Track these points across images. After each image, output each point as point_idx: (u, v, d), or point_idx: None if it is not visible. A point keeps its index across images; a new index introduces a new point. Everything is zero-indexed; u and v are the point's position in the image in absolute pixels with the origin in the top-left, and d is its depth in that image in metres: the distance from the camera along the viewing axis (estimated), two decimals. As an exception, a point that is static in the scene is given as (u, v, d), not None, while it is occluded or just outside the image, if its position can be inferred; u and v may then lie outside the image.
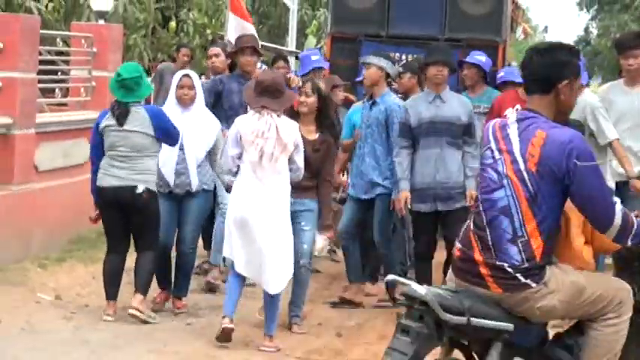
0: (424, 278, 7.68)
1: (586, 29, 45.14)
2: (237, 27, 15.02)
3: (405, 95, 9.18)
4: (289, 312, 7.49)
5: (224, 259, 7.72)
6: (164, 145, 7.52)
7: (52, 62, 11.50)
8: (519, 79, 8.94)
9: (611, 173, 7.81)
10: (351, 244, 8.39)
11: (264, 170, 6.82)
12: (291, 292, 7.45)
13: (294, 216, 7.22)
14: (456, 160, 7.73)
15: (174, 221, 7.80)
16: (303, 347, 7.11)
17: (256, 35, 10.36)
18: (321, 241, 7.50)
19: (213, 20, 18.69)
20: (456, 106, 7.76)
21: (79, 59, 11.03)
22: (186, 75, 7.89)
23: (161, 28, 17.02)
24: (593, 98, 7.43)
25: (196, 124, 7.74)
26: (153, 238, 7.51)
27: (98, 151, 7.48)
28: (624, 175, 7.77)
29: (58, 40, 13.87)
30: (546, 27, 71.22)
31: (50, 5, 15.36)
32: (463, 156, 7.77)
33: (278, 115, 6.88)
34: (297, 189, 7.15)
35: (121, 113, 7.36)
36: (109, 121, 7.41)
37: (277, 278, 6.87)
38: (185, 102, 7.77)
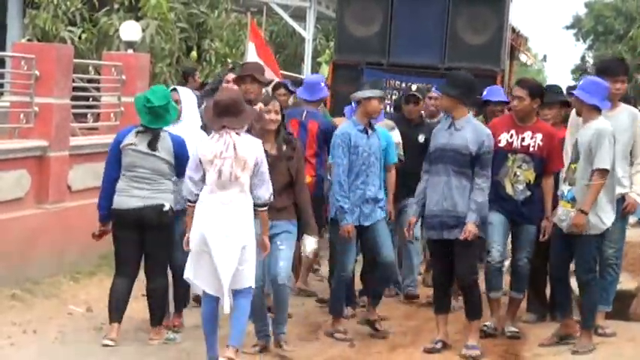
0: (440, 307, 7.39)
1: (582, 58, 45.17)
2: (255, 57, 15.08)
3: (414, 119, 8.92)
4: (274, 330, 7.07)
5: None
6: None
7: (85, 89, 11.54)
8: (500, 99, 8.88)
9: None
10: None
11: (224, 190, 6.29)
12: (274, 312, 7.10)
13: (271, 238, 6.77)
14: (462, 189, 7.12)
15: None
16: (318, 356, 7.11)
17: (262, 64, 10.09)
18: (311, 244, 7.05)
19: (234, 50, 18.73)
20: (467, 135, 7.14)
21: (110, 86, 11.08)
22: (173, 89, 7.49)
23: (185, 57, 17.03)
24: (606, 124, 7.05)
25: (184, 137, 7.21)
26: (165, 260, 7.11)
27: (116, 167, 7.03)
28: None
29: (90, 68, 13.90)
30: (545, 56, 70.98)
31: (83, 36, 15.42)
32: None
33: (238, 134, 6.35)
34: (272, 210, 6.62)
35: (153, 138, 6.98)
36: (131, 140, 6.99)
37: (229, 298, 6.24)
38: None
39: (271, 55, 15.16)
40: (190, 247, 6.35)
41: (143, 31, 14.35)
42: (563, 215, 7.11)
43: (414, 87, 9.10)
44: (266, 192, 6.45)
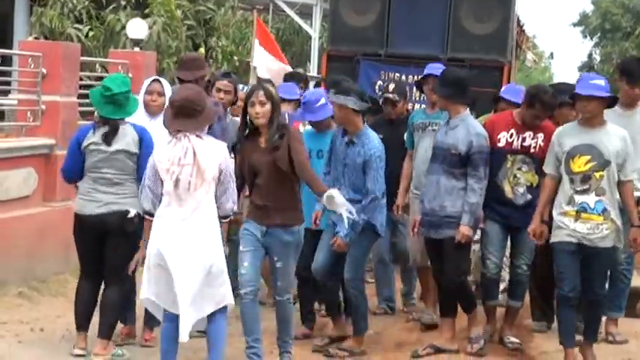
0: (444, 310, 7.25)
1: (589, 55, 45.20)
2: (262, 54, 15.08)
3: (393, 119, 8.18)
4: (279, 349, 6.53)
5: None
6: None
7: (91, 87, 11.54)
8: (517, 100, 7.73)
9: None
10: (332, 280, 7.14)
11: (181, 202, 5.65)
12: (277, 328, 6.54)
13: (267, 250, 6.31)
14: (451, 189, 6.92)
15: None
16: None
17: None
18: (338, 196, 6.17)
19: (240, 47, 18.77)
20: (459, 134, 6.92)
21: (116, 84, 11.07)
22: (156, 80, 6.98)
23: (191, 54, 17.07)
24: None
25: (164, 134, 6.42)
26: (124, 272, 6.37)
27: (78, 165, 6.44)
28: None
29: (96, 65, 13.94)
30: (552, 53, 70.95)
31: (90, 33, 15.46)
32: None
33: (199, 137, 5.72)
34: (261, 209, 6.16)
35: (110, 130, 6.37)
36: (93, 139, 6.39)
37: (190, 324, 5.70)
38: (153, 109, 6.81)
39: (278, 48, 15.09)
40: (146, 265, 5.80)
41: (150, 28, 14.36)
42: (589, 230, 6.55)
43: (390, 86, 8.38)
44: (228, 202, 5.85)
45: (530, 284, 7.79)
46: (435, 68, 7.92)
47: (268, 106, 6.23)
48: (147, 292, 5.79)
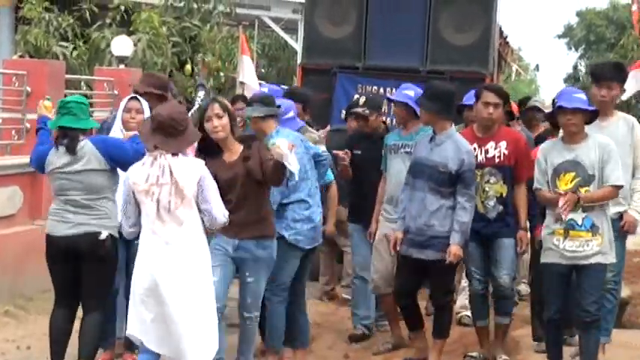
0: (410, 325, 7.18)
1: (575, 67, 45.32)
2: (248, 69, 15.14)
3: (371, 134, 7.86)
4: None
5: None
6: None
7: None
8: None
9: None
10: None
11: (164, 224, 5.42)
12: (237, 348, 6.34)
13: (237, 264, 6.09)
14: (439, 208, 6.71)
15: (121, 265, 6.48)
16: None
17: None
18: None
19: (226, 63, 18.79)
20: (447, 151, 6.72)
21: (102, 101, 11.08)
22: (134, 97, 6.74)
23: (177, 71, 17.07)
24: (604, 137, 6.53)
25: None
26: (104, 295, 6.26)
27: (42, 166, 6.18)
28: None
29: (82, 83, 13.94)
30: (537, 65, 71.18)
31: (75, 52, 15.45)
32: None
33: (174, 154, 5.45)
34: (238, 225, 5.90)
35: (71, 141, 6.05)
36: (55, 163, 6.10)
37: (199, 349, 5.50)
38: (132, 127, 6.55)
39: None
40: (132, 299, 5.60)
41: (135, 45, 14.38)
42: (578, 247, 6.38)
43: (361, 100, 8.05)
44: (216, 219, 5.57)
45: (531, 301, 7.73)
46: (405, 90, 7.52)
47: (226, 119, 6.03)
48: (132, 329, 5.61)
